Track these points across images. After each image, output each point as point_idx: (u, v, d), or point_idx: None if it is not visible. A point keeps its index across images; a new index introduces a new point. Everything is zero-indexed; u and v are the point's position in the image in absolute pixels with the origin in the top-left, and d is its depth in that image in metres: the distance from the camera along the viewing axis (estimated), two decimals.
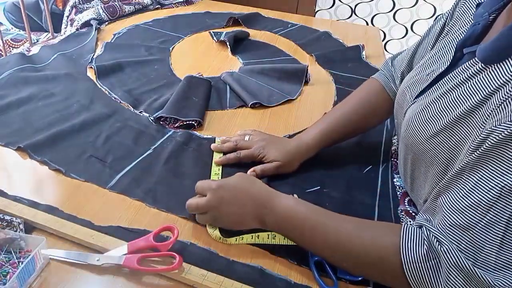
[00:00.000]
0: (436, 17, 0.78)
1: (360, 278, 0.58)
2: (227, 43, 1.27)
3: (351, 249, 0.54)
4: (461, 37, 0.62)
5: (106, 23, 1.37)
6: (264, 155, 0.76)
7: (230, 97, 1.02)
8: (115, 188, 0.70)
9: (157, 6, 1.57)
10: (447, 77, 0.60)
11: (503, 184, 0.44)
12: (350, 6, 2.53)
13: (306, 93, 1.08)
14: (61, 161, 0.74)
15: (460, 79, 0.57)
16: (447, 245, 0.47)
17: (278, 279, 0.57)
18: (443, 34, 0.72)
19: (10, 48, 1.36)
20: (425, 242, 0.50)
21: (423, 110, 0.61)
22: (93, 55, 1.15)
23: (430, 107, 0.60)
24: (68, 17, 1.40)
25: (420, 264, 0.49)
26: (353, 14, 2.55)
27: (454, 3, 0.72)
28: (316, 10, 2.56)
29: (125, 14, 1.45)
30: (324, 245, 0.56)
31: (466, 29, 0.64)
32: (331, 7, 2.55)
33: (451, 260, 0.46)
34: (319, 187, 0.75)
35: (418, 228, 0.52)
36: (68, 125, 0.83)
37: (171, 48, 1.24)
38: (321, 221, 0.57)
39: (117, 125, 0.86)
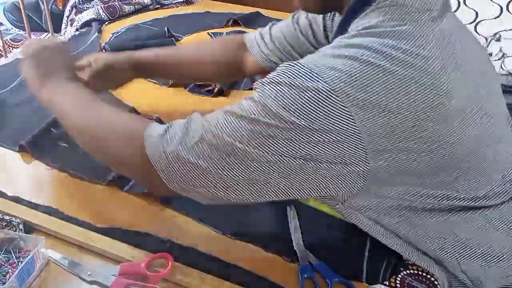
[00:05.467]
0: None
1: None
2: None
3: (111, 123, 0.58)
4: None
5: (106, 23, 1.38)
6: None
7: (246, 80, 1.06)
8: (132, 190, 0.70)
9: (157, 6, 1.56)
10: None
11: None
12: None
13: None
14: (79, 166, 0.73)
15: None
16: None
17: (275, 284, 0.57)
18: None
19: (10, 48, 1.35)
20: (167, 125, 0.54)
21: None
22: None
23: None
24: (68, 17, 1.41)
25: (157, 133, 0.52)
26: None
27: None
28: None
29: (125, 14, 1.45)
30: (87, 118, 0.60)
31: None
32: None
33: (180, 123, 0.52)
34: None
35: None
36: None
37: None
38: (91, 98, 0.63)
39: None
